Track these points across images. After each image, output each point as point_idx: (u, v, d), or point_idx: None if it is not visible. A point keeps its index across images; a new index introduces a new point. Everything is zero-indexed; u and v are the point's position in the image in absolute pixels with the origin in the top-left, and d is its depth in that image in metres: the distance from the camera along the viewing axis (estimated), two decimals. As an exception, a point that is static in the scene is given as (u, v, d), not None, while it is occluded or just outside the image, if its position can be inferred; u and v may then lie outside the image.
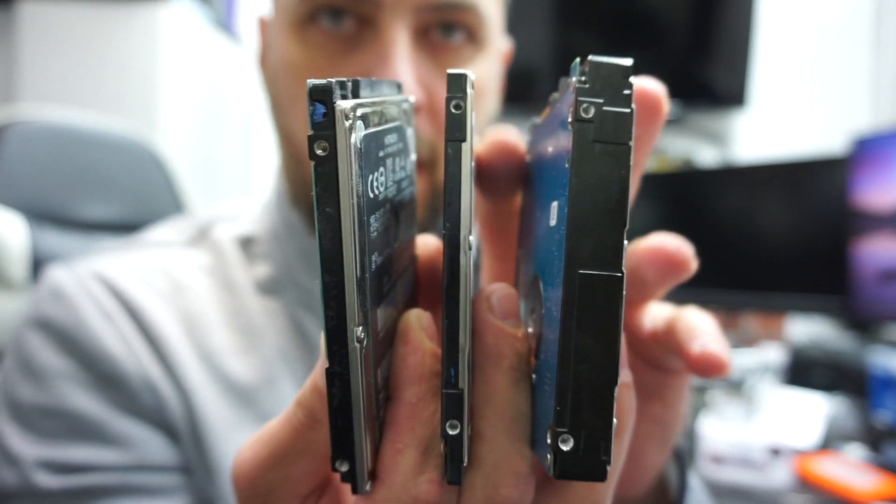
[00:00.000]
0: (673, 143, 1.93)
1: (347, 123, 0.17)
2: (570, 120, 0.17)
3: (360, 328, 0.17)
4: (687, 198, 1.55)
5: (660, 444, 0.31)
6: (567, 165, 0.17)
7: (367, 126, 0.18)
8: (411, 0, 0.43)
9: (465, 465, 0.19)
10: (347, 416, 0.18)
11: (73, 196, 0.85)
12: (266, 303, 0.50)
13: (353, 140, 0.17)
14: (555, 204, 0.18)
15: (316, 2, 0.44)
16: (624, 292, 0.16)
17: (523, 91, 1.92)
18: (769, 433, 1.04)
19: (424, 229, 0.49)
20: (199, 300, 0.49)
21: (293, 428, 0.21)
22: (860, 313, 1.20)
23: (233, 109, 1.94)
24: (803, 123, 1.84)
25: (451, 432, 0.18)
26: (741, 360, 1.39)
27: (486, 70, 0.48)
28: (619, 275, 0.16)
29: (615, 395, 0.16)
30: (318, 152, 0.17)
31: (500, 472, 0.19)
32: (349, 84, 0.18)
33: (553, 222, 0.18)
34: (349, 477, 0.18)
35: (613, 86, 0.16)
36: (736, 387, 1.29)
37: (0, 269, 0.73)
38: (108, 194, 0.89)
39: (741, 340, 1.59)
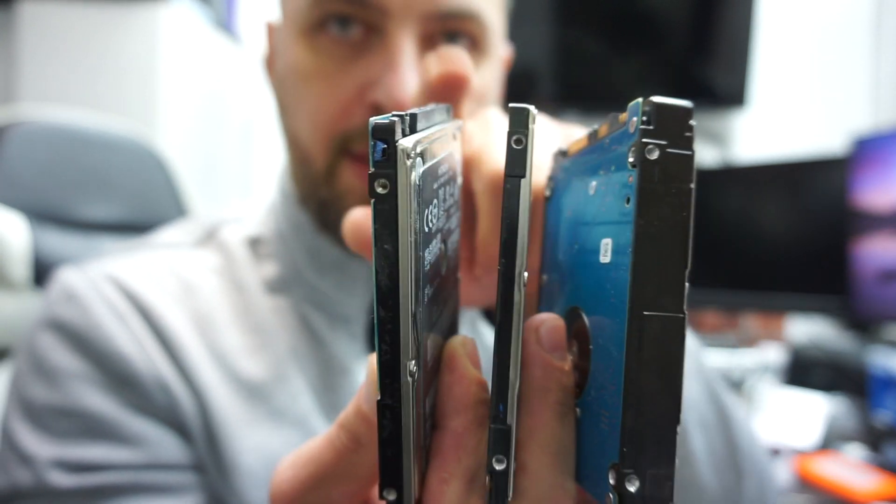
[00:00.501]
0: (673, 143, 1.93)
1: (409, 162, 0.17)
2: (632, 160, 0.17)
3: (413, 362, 0.18)
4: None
5: None
6: (628, 206, 0.17)
7: (424, 161, 0.18)
8: (418, 9, 0.44)
9: (509, 500, 0.19)
10: (397, 448, 0.18)
11: (74, 196, 0.85)
12: (274, 301, 0.51)
13: (413, 178, 0.17)
14: (607, 241, 0.19)
15: (325, 10, 0.45)
16: (686, 333, 0.17)
17: (523, 92, 1.93)
18: (769, 433, 1.04)
19: None
20: (210, 300, 0.50)
21: (336, 450, 0.21)
22: (860, 313, 1.20)
23: (233, 110, 1.94)
24: (803, 123, 1.84)
25: (497, 467, 0.19)
26: (741, 360, 1.39)
27: (488, 77, 0.49)
28: (682, 316, 0.17)
29: (678, 434, 0.17)
30: (379, 190, 0.17)
31: None
32: (407, 118, 0.18)
33: (606, 259, 0.19)
34: None
35: (676, 128, 0.17)
36: (736, 387, 1.29)
37: (1, 269, 0.73)
38: (109, 194, 0.89)
39: (741, 340, 1.59)
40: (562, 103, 1.94)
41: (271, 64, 0.53)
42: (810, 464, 0.93)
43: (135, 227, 0.89)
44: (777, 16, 1.86)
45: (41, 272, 0.76)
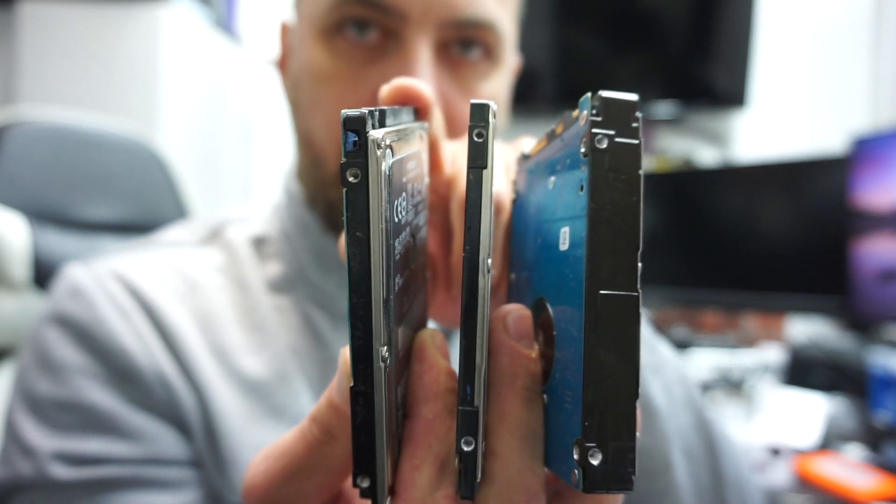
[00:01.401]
0: (673, 143, 1.93)
1: (379, 152, 0.18)
2: (583, 151, 0.18)
3: (385, 348, 0.18)
4: (687, 198, 1.55)
5: None
6: (581, 193, 0.18)
7: (393, 154, 0.19)
8: (436, 16, 0.45)
9: (478, 480, 0.19)
10: (370, 434, 0.19)
11: (74, 196, 0.85)
12: (277, 300, 0.51)
13: (383, 168, 0.18)
14: (565, 229, 0.20)
15: (344, 13, 0.46)
16: (640, 310, 0.17)
17: (522, 91, 1.91)
18: (769, 433, 1.04)
19: None
20: (213, 298, 0.50)
21: (308, 443, 0.21)
22: (860, 313, 1.20)
23: (233, 109, 1.94)
24: (803, 123, 1.84)
25: (465, 449, 0.19)
26: (741, 360, 1.39)
27: (499, 85, 0.50)
28: (636, 294, 0.17)
29: (636, 408, 0.17)
30: (351, 179, 0.18)
31: (512, 488, 0.20)
32: (376, 113, 0.19)
33: (564, 247, 0.20)
34: (370, 492, 0.19)
35: (623, 119, 0.18)
36: (736, 387, 1.29)
37: (1, 269, 0.73)
38: (110, 195, 0.89)
39: (741, 340, 1.59)
40: (562, 103, 1.94)
41: (284, 64, 0.54)
42: (810, 464, 0.93)
43: (135, 227, 0.89)
44: (777, 16, 1.86)
45: (41, 272, 0.75)
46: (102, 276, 0.49)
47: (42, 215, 0.80)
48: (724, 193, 1.52)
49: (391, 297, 0.18)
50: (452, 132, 0.47)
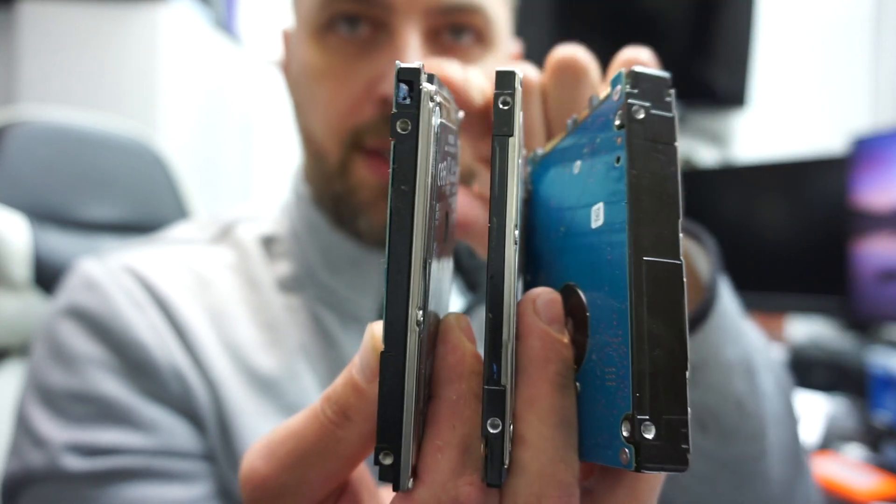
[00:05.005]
0: (673, 143, 1.93)
1: (431, 105, 0.17)
2: (618, 123, 0.18)
3: (420, 312, 0.17)
4: (687, 198, 1.54)
5: None
6: (618, 165, 0.18)
7: (441, 115, 0.18)
8: (422, 3, 0.45)
9: (505, 467, 0.18)
10: (398, 405, 0.17)
11: (75, 196, 0.85)
12: (287, 299, 0.52)
13: (433, 121, 0.17)
14: (598, 206, 0.19)
15: (333, 10, 0.47)
16: (685, 279, 0.17)
17: (523, 91, 1.90)
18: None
19: None
20: (224, 295, 0.50)
21: (320, 425, 0.20)
22: (860, 313, 1.20)
23: (233, 109, 1.94)
24: (803, 123, 1.84)
25: (491, 431, 0.18)
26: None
27: (494, 69, 0.50)
28: (679, 262, 0.17)
29: (688, 380, 0.16)
30: (400, 130, 0.17)
31: (543, 480, 0.18)
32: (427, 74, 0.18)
33: (598, 223, 0.19)
34: (391, 471, 0.17)
35: (658, 92, 0.18)
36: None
37: (1, 269, 0.73)
38: (110, 194, 0.89)
39: (741, 340, 1.58)
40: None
41: (287, 68, 0.55)
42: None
43: (135, 227, 0.89)
44: (777, 16, 1.86)
45: (41, 272, 0.75)
46: (116, 270, 0.49)
47: (42, 215, 0.80)
48: (724, 193, 1.52)
49: (430, 259, 0.17)
50: None
